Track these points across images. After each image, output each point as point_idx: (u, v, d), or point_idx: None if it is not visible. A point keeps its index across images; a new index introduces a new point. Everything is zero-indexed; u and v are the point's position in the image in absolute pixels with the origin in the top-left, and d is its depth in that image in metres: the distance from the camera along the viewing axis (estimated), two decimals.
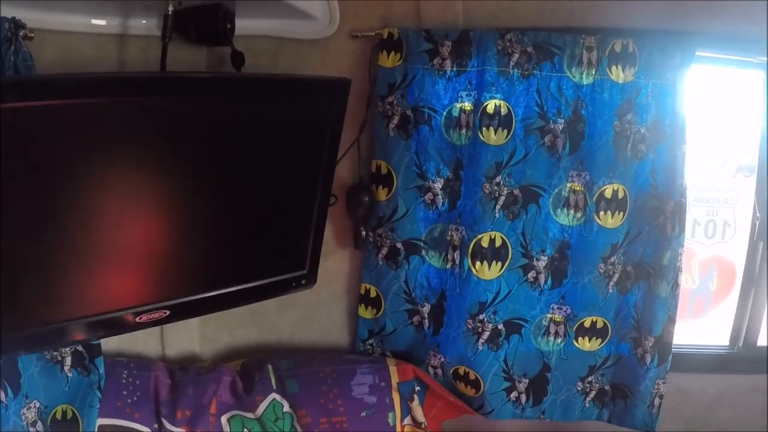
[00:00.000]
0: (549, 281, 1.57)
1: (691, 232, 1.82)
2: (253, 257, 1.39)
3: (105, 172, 1.13)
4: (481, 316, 1.56)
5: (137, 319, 1.24)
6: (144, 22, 1.42)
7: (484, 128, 1.45)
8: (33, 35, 1.23)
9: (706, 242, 1.98)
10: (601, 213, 1.52)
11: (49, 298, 1.16)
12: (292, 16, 1.47)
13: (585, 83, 1.46)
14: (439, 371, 1.66)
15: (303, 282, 1.44)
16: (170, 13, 1.28)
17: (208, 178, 1.25)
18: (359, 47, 1.51)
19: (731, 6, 1.46)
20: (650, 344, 1.59)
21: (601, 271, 1.56)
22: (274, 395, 1.52)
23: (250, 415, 1.50)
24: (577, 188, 1.52)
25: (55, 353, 1.38)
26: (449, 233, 1.56)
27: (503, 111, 1.45)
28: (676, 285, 1.57)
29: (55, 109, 1.02)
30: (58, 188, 1.10)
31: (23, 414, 1.33)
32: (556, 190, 1.52)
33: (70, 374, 1.40)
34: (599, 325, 1.61)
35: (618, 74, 1.45)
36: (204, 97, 1.21)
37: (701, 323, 2.01)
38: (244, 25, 1.41)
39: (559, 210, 1.53)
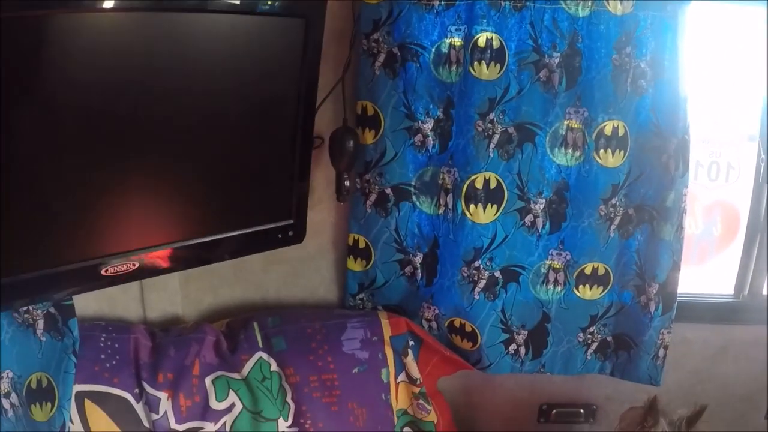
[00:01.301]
0: (547, 225, 1.50)
1: (694, 174, 1.73)
2: (232, 202, 1.29)
3: (70, 98, 1.03)
4: (476, 264, 1.48)
5: (103, 272, 1.13)
6: None
7: (475, 62, 1.37)
8: None
9: (710, 185, 1.90)
10: (601, 151, 1.44)
11: (8, 244, 1.04)
12: None
13: (581, 15, 1.38)
14: (434, 324, 1.59)
15: (290, 234, 1.35)
16: None
17: (172, 109, 1.13)
18: None
19: None
20: (654, 292, 1.53)
21: (602, 213, 1.48)
22: (260, 354, 1.44)
23: (235, 375, 1.42)
24: (575, 125, 1.44)
25: (26, 316, 1.29)
26: (441, 176, 1.48)
27: (495, 44, 1.37)
28: (680, 228, 1.50)
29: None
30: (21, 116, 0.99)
31: None
32: (553, 128, 1.43)
33: (43, 338, 1.31)
34: (600, 271, 1.54)
35: (616, 6, 1.37)
36: (170, 13, 1.08)
37: (705, 271, 1.94)
38: None
39: (557, 149, 1.45)
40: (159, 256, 1.20)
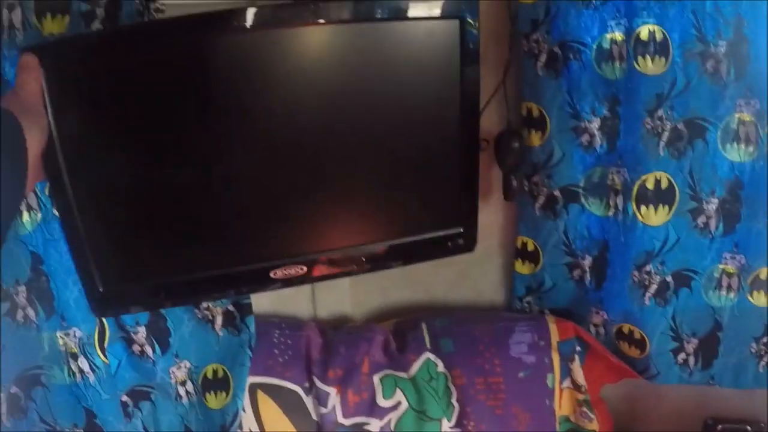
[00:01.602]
0: (721, 227, 1.42)
1: None
2: (399, 210, 1.30)
3: (239, 119, 1.11)
4: (647, 267, 1.43)
5: (272, 274, 1.18)
6: None
7: (639, 57, 1.33)
8: (164, 8, 1.24)
9: None
10: None
11: (177, 249, 1.16)
12: None
13: None
14: (602, 329, 1.55)
15: (460, 242, 1.32)
16: None
17: (340, 118, 1.18)
18: None
19: None
20: None
21: None
22: (428, 354, 1.46)
23: (403, 374, 1.45)
24: (747, 119, 1.36)
25: (206, 312, 1.39)
26: (610, 177, 1.45)
27: (658, 37, 1.32)
28: None
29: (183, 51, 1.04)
30: (195, 138, 1.10)
31: (172, 372, 1.36)
32: (724, 122, 1.37)
33: (221, 333, 1.40)
34: None
35: None
36: (335, 25, 1.13)
37: None
38: None
39: (728, 145, 1.38)
40: (327, 262, 1.23)
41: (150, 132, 1.09)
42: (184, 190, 1.13)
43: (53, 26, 1.14)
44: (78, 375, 1.27)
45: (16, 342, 1.20)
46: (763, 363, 1.52)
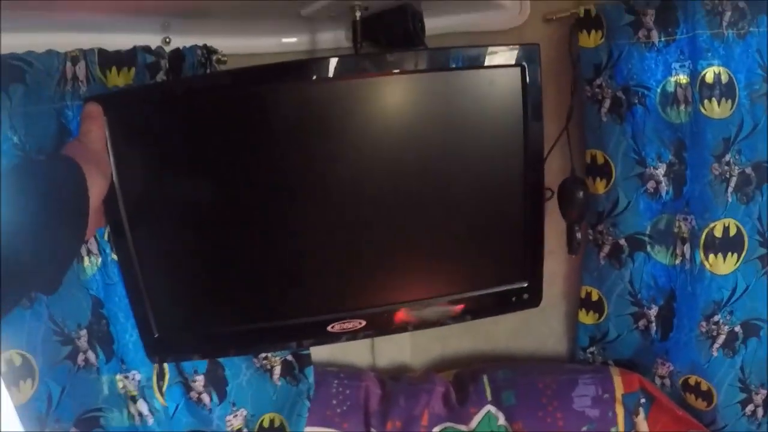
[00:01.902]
0: None
1: None
2: (460, 263, 1.26)
3: (298, 171, 1.11)
4: (716, 318, 1.38)
5: (329, 328, 1.17)
6: (332, 35, 1.44)
7: (705, 101, 1.30)
8: (225, 59, 1.27)
9: None
10: None
11: (235, 300, 1.16)
12: (480, 9, 1.42)
13: None
14: (667, 381, 1.50)
15: (525, 296, 1.27)
16: (358, 19, 1.27)
17: (402, 171, 1.16)
18: (555, 31, 1.43)
19: None
20: None
21: None
22: (489, 407, 1.44)
23: (463, 427, 1.42)
24: None
25: (264, 362, 1.39)
26: (676, 224, 1.41)
27: (724, 79, 1.29)
28: None
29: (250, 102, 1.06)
30: (258, 188, 1.11)
31: (229, 421, 1.35)
32: None
33: (279, 383, 1.40)
34: None
35: None
36: (398, 75, 1.12)
37: None
38: (432, 24, 1.37)
39: None
40: (386, 316, 1.21)
41: (211, 183, 1.10)
42: (245, 241, 1.13)
43: (119, 79, 1.17)
44: (137, 418, 1.28)
45: (77, 385, 1.23)
46: None
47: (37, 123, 1.12)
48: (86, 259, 1.20)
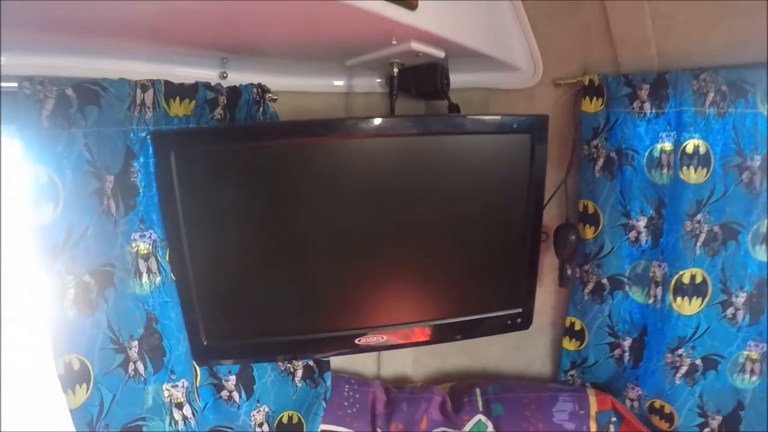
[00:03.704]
0: (747, 318, 1.57)
1: None
2: (467, 291, 1.48)
3: (334, 209, 1.31)
4: (680, 351, 1.59)
5: (356, 341, 1.38)
6: (367, 80, 1.62)
7: (684, 168, 1.51)
8: (276, 97, 1.43)
9: None
10: None
11: (276, 316, 1.36)
12: (500, 69, 1.62)
13: None
14: (636, 404, 1.70)
15: (518, 321, 1.51)
16: (395, 75, 1.47)
17: (423, 213, 1.38)
18: (562, 94, 1.63)
19: None
20: None
21: None
22: (479, 416, 1.64)
23: None
24: None
25: (288, 365, 1.56)
26: (652, 270, 1.62)
27: (702, 150, 1.50)
28: None
29: (290, 149, 1.24)
30: (298, 222, 1.30)
31: (252, 415, 1.51)
32: (755, 227, 1.53)
33: (299, 385, 1.58)
34: None
35: None
36: (425, 136, 1.34)
37: None
38: (458, 79, 1.58)
39: (758, 246, 1.54)
40: (404, 333, 1.42)
41: (257, 214, 1.27)
42: (286, 266, 1.32)
43: (180, 109, 1.31)
44: (181, 422, 1.39)
45: (126, 393, 1.30)
46: None
47: (107, 143, 1.21)
48: (144, 275, 1.29)
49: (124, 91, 1.21)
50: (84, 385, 1.22)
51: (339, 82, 1.62)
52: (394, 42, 1.30)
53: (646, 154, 1.56)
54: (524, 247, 1.46)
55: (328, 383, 1.60)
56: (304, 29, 1.20)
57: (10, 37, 1.05)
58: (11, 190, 1.19)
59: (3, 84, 1.10)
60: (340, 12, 1.03)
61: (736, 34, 1.43)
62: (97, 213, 1.19)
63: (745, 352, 1.60)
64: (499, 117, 1.36)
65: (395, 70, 1.48)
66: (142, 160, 1.25)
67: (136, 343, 1.30)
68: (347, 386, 1.65)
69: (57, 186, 1.14)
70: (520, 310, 1.49)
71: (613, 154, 1.58)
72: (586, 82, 1.58)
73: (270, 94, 1.44)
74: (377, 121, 1.28)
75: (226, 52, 1.40)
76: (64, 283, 1.16)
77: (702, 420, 1.63)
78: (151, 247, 1.28)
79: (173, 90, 1.29)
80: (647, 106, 1.54)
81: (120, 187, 1.23)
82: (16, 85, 1.09)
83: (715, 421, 1.63)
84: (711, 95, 1.48)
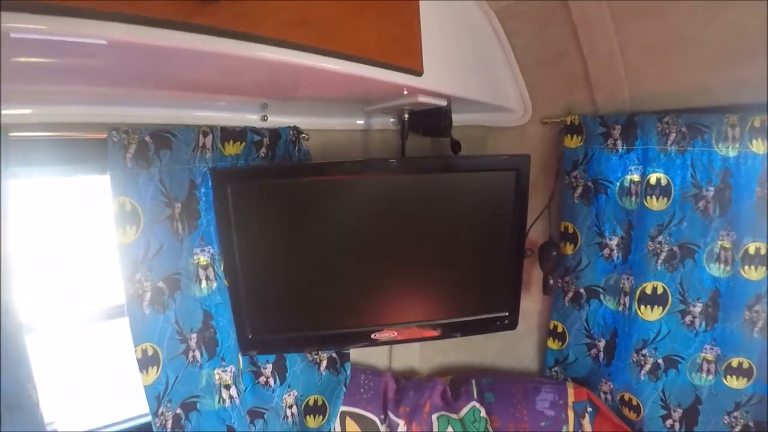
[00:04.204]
0: (703, 325, 1.82)
1: None
2: (464, 297, 1.78)
3: (356, 231, 1.62)
4: (644, 351, 1.85)
5: (374, 336, 1.68)
6: (382, 120, 1.93)
7: (648, 197, 1.77)
8: (308, 137, 1.73)
9: None
10: (746, 267, 1.74)
11: (308, 315, 1.66)
12: (495, 110, 1.92)
13: (731, 156, 1.70)
14: (609, 396, 1.97)
15: (506, 322, 1.80)
16: (406, 119, 1.78)
17: (428, 233, 1.68)
18: (548, 131, 1.92)
19: None
20: None
21: (747, 317, 1.76)
22: (474, 403, 1.93)
23: (454, 415, 1.92)
24: (726, 246, 1.76)
25: (315, 356, 1.85)
26: (622, 282, 1.89)
27: (663, 182, 1.76)
28: None
29: (320, 184, 1.55)
30: (327, 240, 1.61)
31: (284, 398, 1.81)
32: (709, 247, 1.76)
33: (324, 373, 1.87)
34: (745, 366, 1.79)
35: (759, 146, 1.66)
36: (429, 174, 1.65)
37: None
38: (459, 118, 1.87)
39: (711, 264, 1.78)
40: (411, 330, 1.71)
41: (294, 234, 1.58)
42: (316, 275, 1.62)
43: (232, 149, 1.61)
44: (228, 401, 1.69)
45: (185, 375, 1.62)
46: None
47: (176, 178, 1.53)
48: (203, 282, 1.61)
49: (189, 137, 1.52)
50: (155, 368, 1.53)
51: (359, 122, 1.93)
52: (405, 93, 1.61)
53: (618, 184, 1.84)
54: (510, 262, 1.76)
55: (348, 372, 1.89)
56: (333, 88, 1.51)
57: (99, 95, 1.36)
58: (104, 216, 1.51)
59: (94, 135, 1.41)
60: (361, 78, 1.33)
61: (695, 84, 1.69)
62: (169, 233, 1.51)
63: (702, 354, 1.85)
64: (489, 158, 1.67)
65: (406, 115, 1.79)
66: (203, 190, 1.56)
67: (195, 335, 1.61)
68: (363, 376, 1.96)
69: (138, 213, 1.46)
70: (507, 314, 1.79)
71: (590, 184, 1.87)
72: (569, 122, 1.87)
73: (303, 134, 1.73)
74: (390, 162, 1.60)
75: (267, 99, 1.70)
76: (143, 288, 1.48)
77: (665, 412, 1.90)
78: (209, 260, 1.59)
79: (227, 134, 1.60)
80: (619, 143, 1.81)
81: (186, 212, 1.54)
82: (105, 135, 1.40)
83: (677, 413, 1.89)
84: (673, 135, 1.74)
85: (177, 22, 0.94)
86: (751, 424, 1.83)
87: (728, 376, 1.82)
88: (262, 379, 1.79)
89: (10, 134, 1.29)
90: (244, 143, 1.63)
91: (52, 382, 1.43)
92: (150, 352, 1.52)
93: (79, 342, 1.82)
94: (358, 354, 2.04)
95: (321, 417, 1.88)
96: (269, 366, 1.79)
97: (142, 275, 1.47)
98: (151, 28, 0.93)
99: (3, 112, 1.29)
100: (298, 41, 1.09)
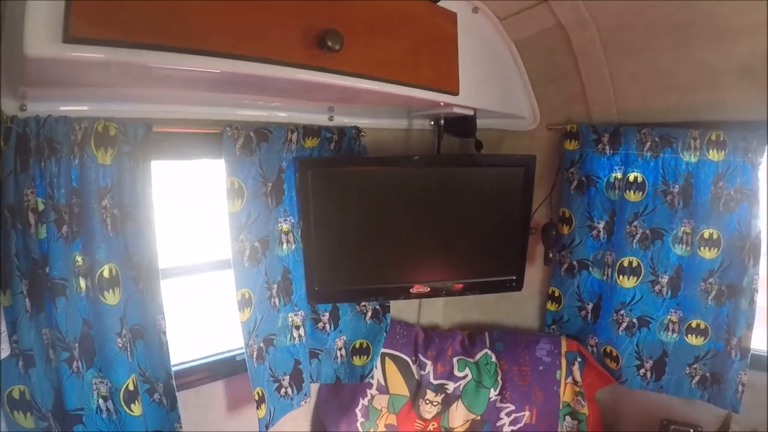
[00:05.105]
0: (668, 293, 2.22)
1: None
2: (481, 263, 2.25)
3: (400, 208, 2.08)
4: (621, 312, 2.28)
5: (411, 290, 2.14)
6: (421, 122, 2.40)
7: (627, 190, 2.22)
8: (365, 134, 2.18)
9: None
10: (702, 248, 2.15)
11: (362, 272, 2.12)
12: (510, 117, 2.38)
13: (693, 161, 2.10)
14: (594, 349, 2.41)
15: (514, 284, 2.27)
16: (442, 123, 2.27)
17: (454, 212, 2.14)
18: (553, 135, 2.38)
19: None
20: (734, 344, 2.11)
21: (702, 288, 2.16)
22: (487, 350, 2.41)
23: (470, 359, 2.39)
24: (687, 231, 2.16)
25: (362, 307, 2.29)
26: (606, 256, 2.33)
27: (640, 180, 2.20)
28: (752, 302, 2.08)
29: (376, 172, 2.02)
30: (379, 215, 2.07)
31: (336, 341, 2.26)
32: (674, 232, 2.18)
33: (368, 321, 2.31)
34: (702, 326, 2.18)
35: (714, 155, 2.05)
36: (457, 167, 2.15)
37: None
38: (482, 123, 2.32)
39: (676, 245, 2.19)
40: (438, 287, 2.17)
41: (354, 209, 2.04)
42: (370, 241, 2.08)
43: (310, 143, 2.07)
44: (297, 339, 2.15)
45: (268, 317, 2.06)
46: (694, 381, 2.25)
47: (270, 164, 1.98)
48: (285, 244, 2.06)
49: (281, 133, 1.98)
50: (248, 308, 1.97)
51: (404, 122, 2.40)
52: (442, 105, 2.11)
53: (605, 179, 2.29)
54: (518, 237, 2.24)
55: (388, 321, 2.33)
56: (388, 100, 1.99)
57: (217, 99, 1.80)
58: (220, 191, 2.00)
59: (209, 130, 1.86)
60: (411, 96, 1.80)
61: (667, 104, 2.15)
62: (263, 206, 1.97)
63: (668, 316, 2.26)
64: (504, 157, 2.17)
65: (441, 121, 2.28)
66: (288, 173, 2.02)
67: (276, 285, 2.06)
68: (399, 327, 2.44)
69: (243, 189, 1.92)
70: (515, 277, 2.27)
71: (583, 178, 2.33)
72: (568, 129, 2.33)
73: (362, 132, 2.19)
74: (427, 158, 2.11)
75: (333, 103, 2.15)
76: (244, 246, 1.95)
77: (639, 362, 2.32)
78: (290, 227, 2.06)
79: (307, 131, 2.06)
80: (607, 148, 2.27)
81: (274, 190, 2.00)
82: (219, 130, 1.85)
83: (648, 364, 2.31)
84: (648, 144, 2.18)
85: (309, 65, 1.44)
86: (707, 374, 2.21)
87: (689, 335, 2.22)
88: (320, 325, 2.24)
89: (153, 128, 1.73)
90: (318, 138, 2.08)
91: (175, 316, 1.88)
92: (246, 296, 1.96)
93: (194, 287, 2.30)
94: (394, 310, 2.46)
95: (366, 356, 2.33)
96: (326, 314, 2.23)
97: (244, 236, 1.93)
98: (289, 67, 1.41)
99: (152, 110, 1.74)
100: (384, 76, 1.60)
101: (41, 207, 1.50)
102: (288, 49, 1.39)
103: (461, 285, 2.21)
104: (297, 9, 1.40)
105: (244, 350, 1.98)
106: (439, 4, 1.79)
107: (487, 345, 2.45)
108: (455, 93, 1.87)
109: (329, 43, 1.40)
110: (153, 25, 1.18)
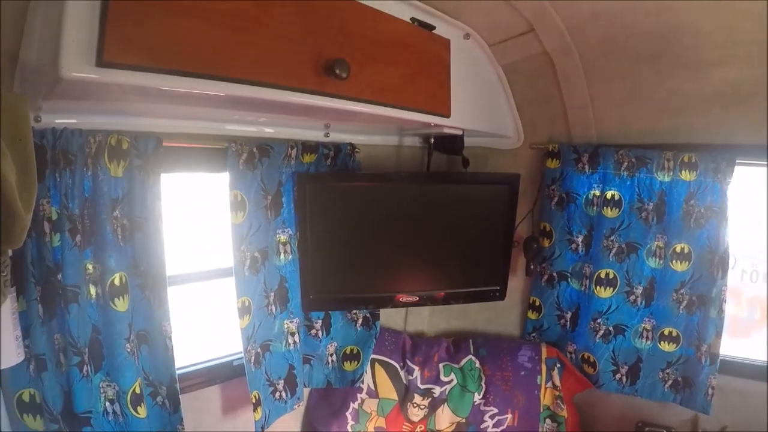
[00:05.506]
0: (643, 303, 2.36)
1: (740, 277, 2.64)
2: (466, 274, 2.37)
3: (392, 221, 2.19)
4: (598, 320, 2.42)
5: (400, 299, 2.25)
6: (411, 140, 2.51)
7: (605, 207, 2.36)
8: (359, 150, 2.28)
9: (751, 285, 2.76)
10: (674, 261, 2.29)
11: (351, 282, 2.21)
12: (495, 137, 2.50)
13: (666, 181, 2.24)
14: (573, 355, 2.54)
15: (497, 294, 2.39)
16: (432, 141, 2.39)
17: (440, 226, 2.25)
18: (535, 154, 2.52)
19: (762, 126, 2.04)
20: (704, 350, 2.25)
21: (674, 298, 2.30)
22: (471, 356, 2.52)
23: (455, 365, 2.50)
24: (660, 245, 2.31)
25: (353, 315, 2.38)
26: (584, 268, 2.47)
27: (617, 198, 2.34)
28: (721, 311, 2.23)
29: (370, 187, 2.14)
30: (371, 228, 2.18)
31: (327, 347, 2.35)
32: (648, 246, 2.32)
33: (359, 328, 2.41)
34: (674, 334, 2.32)
35: (686, 175, 2.20)
36: (445, 184, 2.28)
37: (750, 342, 2.65)
38: (469, 141, 2.43)
39: (650, 258, 2.33)
40: (426, 296, 2.28)
41: (347, 222, 2.15)
42: (362, 253, 2.19)
43: (308, 159, 2.17)
44: (292, 345, 2.23)
45: (265, 323, 2.15)
46: (667, 385, 2.38)
47: (270, 178, 2.07)
48: (282, 254, 2.15)
49: (282, 149, 2.07)
50: (247, 315, 2.05)
51: (395, 139, 2.52)
52: (432, 125, 2.24)
53: (584, 196, 2.43)
54: (502, 249, 2.37)
55: (378, 328, 2.44)
56: (384, 121, 2.11)
57: (222, 116, 1.90)
58: (223, 203, 2.09)
59: (215, 145, 1.95)
60: (405, 119, 1.91)
61: (643, 128, 2.30)
62: (263, 218, 2.06)
63: (642, 325, 2.40)
64: (489, 174, 2.30)
65: (431, 139, 2.40)
66: (287, 187, 2.12)
67: (273, 293, 2.15)
68: (387, 334, 2.54)
69: (245, 202, 2.00)
70: (498, 287, 2.39)
71: (563, 195, 2.46)
72: (550, 148, 2.47)
73: (356, 149, 2.30)
74: (417, 175, 2.23)
75: (329, 121, 2.25)
76: (245, 256, 2.04)
77: (615, 368, 2.45)
78: (287, 238, 2.16)
79: (306, 147, 2.16)
80: (587, 167, 2.40)
81: (274, 203, 2.10)
82: (224, 145, 1.94)
83: (624, 369, 2.44)
84: (625, 164, 2.33)
85: (318, 91, 1.54)
86: (679, 378, 2.35)
87: (662, 342, 2.36)
88: (313, 332, 2.33)
89: (163, 143, 1.81)
90: (316, 154, 2.19)
91: (179, 322, 1.96)
92: (246, 304, 2.05)
93: (196, 294, 2.38)
94: (381, 318, 2.56)
95: (356, 362, 2.43)
96: (319, 322, 2.33)
97: (245, 247, 2.02)
98: (301, 93, 1.52)
99: (162, 125, 1.82)
100: (384, 101, 1.72)
101: (55, 216, 1.57)
102: (300, 76, 1.49)
103: (447, 294, 2.32)
104: (308, 40, 1.50)
105: (242, 355, 2.05)
106: (434, 31, 1.91)
107: (472, 351, 2.57)
108: (447, 115, 1.99)
109: (337, 71, 1.51)
110: (180, 53, 1.27)
